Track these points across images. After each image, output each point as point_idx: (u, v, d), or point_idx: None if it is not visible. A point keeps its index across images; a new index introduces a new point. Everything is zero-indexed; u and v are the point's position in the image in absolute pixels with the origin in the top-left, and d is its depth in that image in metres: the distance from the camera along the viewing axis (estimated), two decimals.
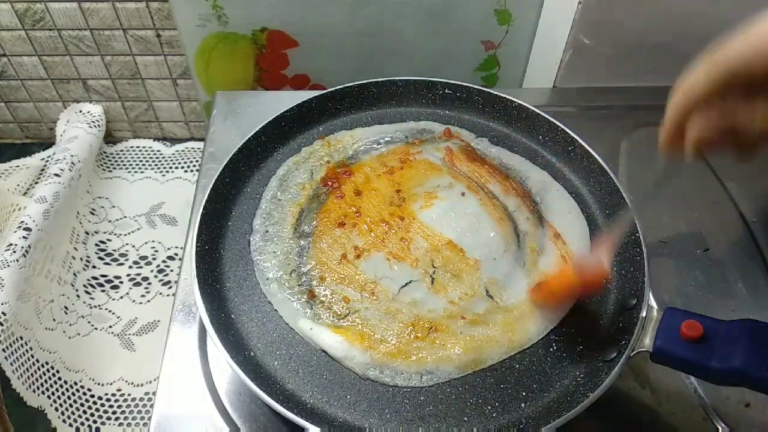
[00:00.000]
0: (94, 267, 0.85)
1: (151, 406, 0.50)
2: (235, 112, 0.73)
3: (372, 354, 0.48)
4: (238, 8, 0.81)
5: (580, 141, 0.61)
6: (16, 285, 0.68)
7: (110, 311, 0.80)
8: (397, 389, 0.47)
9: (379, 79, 0.67)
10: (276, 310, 0.51)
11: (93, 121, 0.96)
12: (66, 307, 0.78)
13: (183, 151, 1.02)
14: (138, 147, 1.02)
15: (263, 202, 0.59)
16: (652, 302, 0.50)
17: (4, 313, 0.65)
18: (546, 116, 0.63)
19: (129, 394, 0.72)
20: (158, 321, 0.80)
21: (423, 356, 0.48)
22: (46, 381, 0.69)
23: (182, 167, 0.99)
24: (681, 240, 0.63)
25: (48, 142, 1.00)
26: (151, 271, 0.85)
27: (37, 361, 0.69)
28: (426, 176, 0.59)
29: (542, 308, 0.51)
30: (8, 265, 0.69)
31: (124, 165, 0.99)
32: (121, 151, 1.01)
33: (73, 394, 0.71)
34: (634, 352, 0.44)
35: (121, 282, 0.84)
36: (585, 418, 0.43)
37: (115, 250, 0.87)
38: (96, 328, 0.78)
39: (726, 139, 0.35)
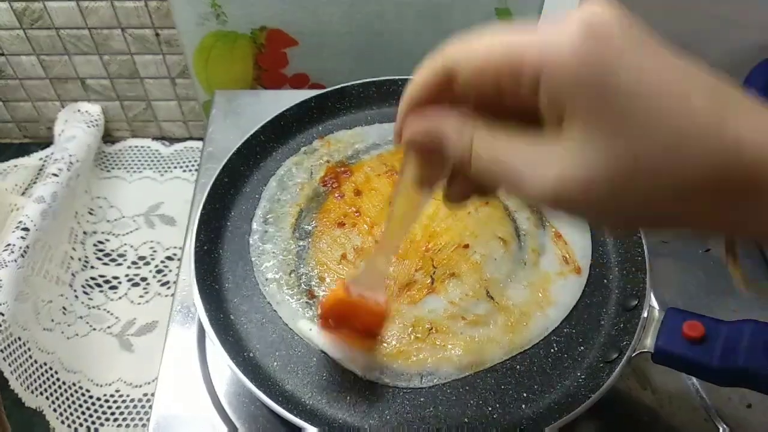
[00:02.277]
0: (92, 267, 0.84)
1: (150, 406, 0.50)
2: (234, 111, 0.73)
3: (372, 355, 0.48)
4: (237, 7, 0.80)
5: None
6: (15, 285, 0.68)
7: (109, 312, 0.80)
8: (398, 390, 0.46)
9: (379, 79, 0.67)
10: (275, 310, 0.51)
11: (91, 121, 0.95)
12: (64, 308, 0.77)
13: (182, 150, 1.01)
14: (136, 146, 1.02)
15: (262, 201, 0.58)
16: (654, 302, 0.50)
17: (2, 314, 0.65)
18: None
19: (128, 395, 0.72)
20: (157, 321, 0.80)
21: (423, 357, 0.48)
22: (44, 382, 0.69)
23: (181, 167, 0.99)
24: (682, 240, 0.63)
25: (46, 142, 0.99)
26: (150, 271, 0.85)
27: (36, 361, 0.69)
28: None
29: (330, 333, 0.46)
30: (6, 266, 0.68)
31: (123, 165, 0.98)
32: (120, 150, 1.01)
33: (72, 394, 0.71)
34: (636, 353, 0.44)
35: (120, 282, 0.83)
36: (586, 419, 0.43)
37: (113, 250, 0.87)
38: (94, 329, 0.78)
39: (429, 152, 0.30)
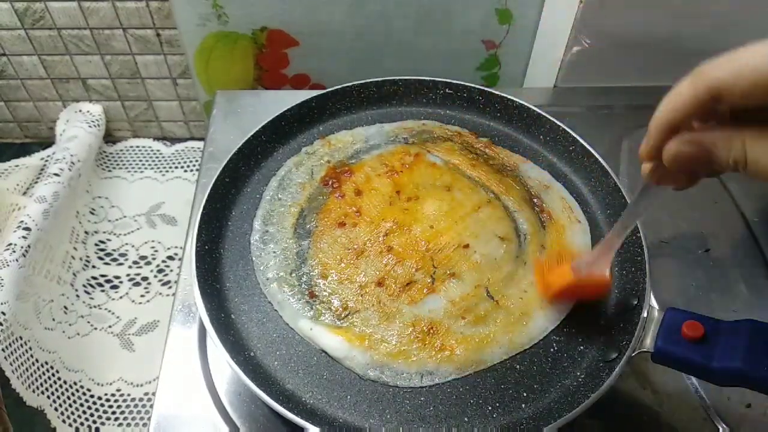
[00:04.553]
0: (93, 267, 0.85)
1: (151, 406, 0.50)
2: (235, 111, 0.73)
3: (372, 354, 0.48)
4: (238, 7, 0.81)
5: (581, 141, 0.61)
6: (16, 285, 0.68)
7: (110, 311, 0.80)
8: (398, 389, 0.47)
9: (380, 79, 0.67)
10: (276, 310, 0.51)
11: (92, 121, 0.95)
12: (65, 307, 0.78)
13: (183, 150, 1.01)
14: (138, 146, 1.02)
15: (263, 201, 0.58)
16: (653, 302, 0.50)
17: (3, 313, 0.65)
18: (547, 116, 0.63)
19: (128, 394, 0.72)
20: (158, 321, 0.80)
21: (423, 356, 0.48)
22: (45, 381, 0.69)
23: (182, 167, 0.99)
24: (682, 240, 0.63)
25: (47, 142, 1.00)
26: (151, 271, 0.85)
27: (37, 360, 0.69)
28: (426, 176, 0.59)
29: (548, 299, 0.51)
30: (8, 265, 0.69)
31: (124, 164, 0.99)
32: (121, 150, 1.01)
33: (73, 394, 0.71)
34: (635, 353, 0.44)
35: (121, 282, 0.84)
36: (586, 419, 0.43)
37: (114, 250, 0.87)
38: (95, 328, 0.78)
39: (697, 166, 0.33)
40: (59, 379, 0.71)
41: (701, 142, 0.31)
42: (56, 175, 0.83)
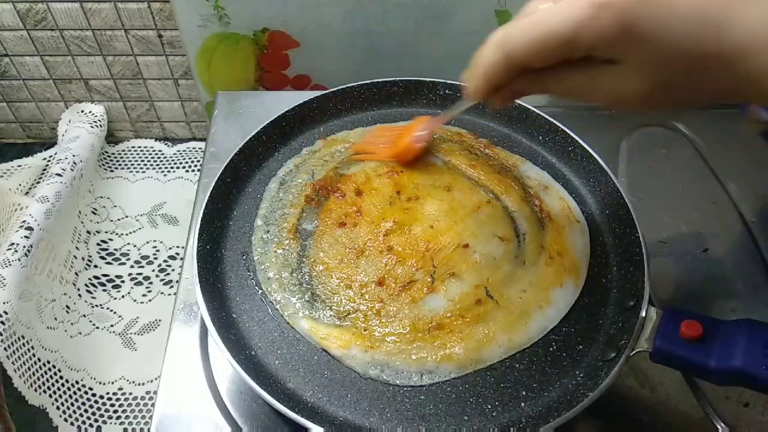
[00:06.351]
0: (95, 266, 0.85)
1: (153, 405, 0.51)
2: (237, 112, 0.73)
3: (372, 353, 0.48)
4: (240, 9, 0.81)
5: (580, 141, 0.61)
6: (18, 284, 0.68)
7: (112, 310, 0.81)
8: (398, 388, 0.47)
9: (380, 80, 0.67)
10: (277, 309, 0.51)
11: (95, 121, 0.96)
12: (68, 306, 0.78)
13: (184, 151, 1.02)
14: (139, 147, 1.02)
15: (264, 201, 0.59)
16: (652, 302, 0.50)
17: (5, 312, 0.66)
18: (546, 116, 0.63)
19: (130, 393, 0.73)
20: (159, 320, 0.81)
21: (423, 355, 0.48)
22: (47, 380, 0.69)
23: (184, 167, 0.99)
24: (681, 240, 0.63)
25: (50, 142, 1.00)
26: (153, 270, 0.85)
27: (39, 360, 0.69)
28: (426, 176, 0.60)
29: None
30: (10, 265, 0.69)
31: (126, 165, 0.99)
32: (123, 151, 1.01)
33: (75, 393, 0.71)
34: (634, 352, 0.45)
35: (123, 281, 0.84)
36: (585, 418, 0.43)
37: (116, 250, 0.87)
38: (97, 327, 0.79)
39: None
40: (61, 378, 0.71)
41: (521, 91, 0.40)
42: (58, 175, 0.83)
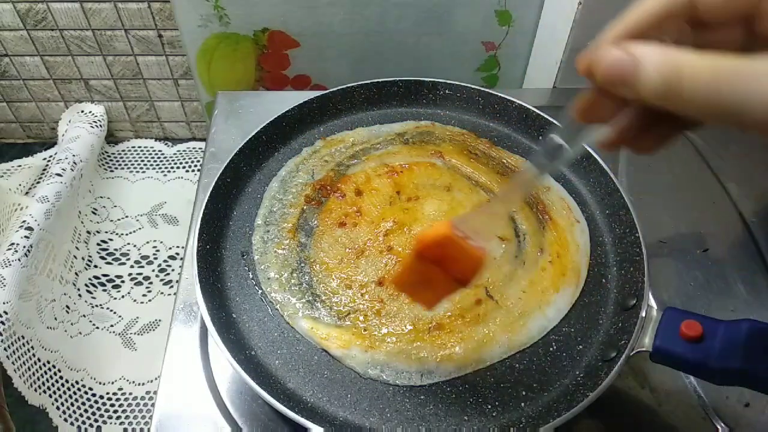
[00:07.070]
0: (95, 266, 0.85)
1: (153, 405, 0.51)
2: (237, 112, 0.73)
3: (372, 353, 0.48)
4: (240, 9, 0.81)
5: None
6: (18, 284, 0.68)
7: (112, 310, 0.81)
8: (398, 388, 0.47)
9: (380, 80, 0.67)
10: (277, 309, 0.51)
11: (95, 121, 0.96)
12: (68, 307, 0.78)
13: (184, 151, 1.02)
14: (139, 147, 1.02)
15: (264, 201, 0.59)
16: (652, 302, 0.50)
17: (6, 312, 0.66)
18: (546, 117, 0.64)
19: (130, 393, 0.73)
20: (159, 320, 0.81)
21: (423, 355, 0.48)
22: (47, 380, 0.69)
23: (184, 167, 0.99)
24: (680, 240, 0.63)
25: (50, 142, 1.00)
26: (153, 270, 0.85)
27: (39, 360, 0.69)
28: (426, 176, 0.60)
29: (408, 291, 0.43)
30: (10, 265, 0.69)
31: (126, 165, 0.99)
32: (123, 151, 1.01)
33: (75, 393, 0.71)
34: (634, 352, 0.45)
35: (123, 281, 0.84)
36: (585, 418, 0.43)
37: (116, 250, 0.87)
38: (97, 327, 0.79)
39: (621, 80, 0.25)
40: (61, 378, 0.71)
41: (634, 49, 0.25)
42: (58, 175, 0.83)
